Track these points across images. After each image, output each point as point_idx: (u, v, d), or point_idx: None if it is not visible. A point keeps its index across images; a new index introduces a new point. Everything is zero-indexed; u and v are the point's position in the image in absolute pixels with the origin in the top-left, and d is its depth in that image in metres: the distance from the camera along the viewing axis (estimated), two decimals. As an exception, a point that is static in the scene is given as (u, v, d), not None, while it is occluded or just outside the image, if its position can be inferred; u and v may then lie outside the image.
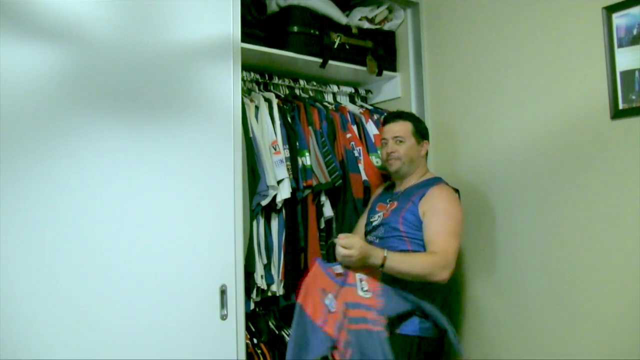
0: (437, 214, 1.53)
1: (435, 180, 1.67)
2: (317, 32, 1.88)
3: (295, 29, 1.84)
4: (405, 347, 1.49)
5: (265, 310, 1.85)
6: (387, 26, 2.16)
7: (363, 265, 1.46)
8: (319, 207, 1.83)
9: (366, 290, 1.49)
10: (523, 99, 1.68)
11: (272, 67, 1.91)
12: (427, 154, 1.75)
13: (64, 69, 1.20)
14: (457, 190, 1.68)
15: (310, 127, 1.85)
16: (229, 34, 1.48)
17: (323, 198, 1.83)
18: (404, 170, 1.69)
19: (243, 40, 1.53)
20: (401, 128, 1.69)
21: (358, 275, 1.51)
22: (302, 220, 1.78)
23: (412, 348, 1.50)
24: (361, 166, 1.94)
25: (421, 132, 1.72)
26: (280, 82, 1.95)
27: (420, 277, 1.45)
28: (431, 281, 1.45)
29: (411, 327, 1.52)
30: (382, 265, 1.42)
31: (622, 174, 1.42)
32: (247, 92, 1.83)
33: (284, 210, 1.73)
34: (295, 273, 1.72)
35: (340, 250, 1.41)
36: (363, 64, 2.02)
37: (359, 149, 1.96)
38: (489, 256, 1.79)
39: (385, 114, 1.92)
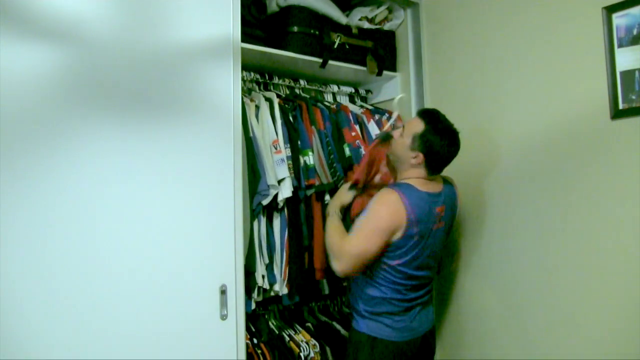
0: (363, 214, 1.50)
1: (392, 185, 1.57)
2: (317, 32, 1.88)
3: (295, 29, 1.84)
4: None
5: (265, 310, 1.85)
6: (387, 26, 2.16)
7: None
8: (324, 207, 1.83)
9: None
10: (523, 99, 1.68)
11: (272, 67, 1.91)
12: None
13: (63, 68, 1.19)
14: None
15: (313, 127, 1.85)
16: (229, 34, 1.48)
17: (327, 197, 1.83)
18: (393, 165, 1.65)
19: (243, 40, 1.53)
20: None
21: None
22: (306, 219, 1.78)
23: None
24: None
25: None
26: (280, 82, 1.95)
27: (329, 251, 1.54)
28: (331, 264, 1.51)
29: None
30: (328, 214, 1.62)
31: (622, 174, 1.42)
32: (247, 92, 1.83)
33: (285, 210, 1.73)
34: (299, 272, 1.72)
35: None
36: (363, 64, 2.02)
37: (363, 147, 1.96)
38: (487, 255, 1.79)
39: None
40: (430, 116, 1.54)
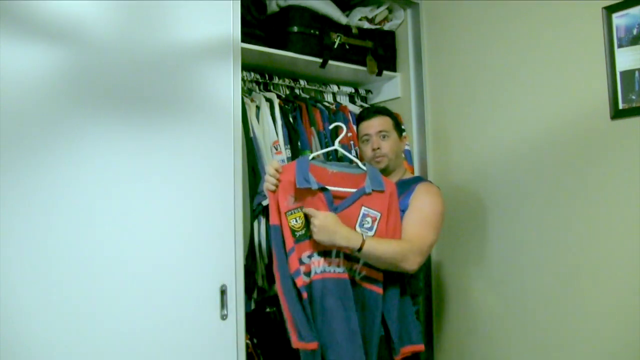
0: (418, 208, 1.48)
1: (418, 179, 1.64)
2: (317, 32, 1.88)
3: (295, 29, 1.84)
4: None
5: (265, 311, 1.85)
6: (387, 26, 2.16)
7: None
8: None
9: (369, 228, 1.33)
10: (523, 99, 1.69)
11: (272, 67, 1.91)
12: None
13: (63, 69, 1.19)
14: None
15: (312, 128, 1.86)
16: (229, 34, 1.48)
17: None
18: (391, 167, 1.60)
19: (243, 40, 1.53)
20: (383, 122, 1.61)
21: (363, 208, 1.33)
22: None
23: None
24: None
25: (400, 127, 1.69)
26: (280, 82, 1.95)
27: (391, 263, 1.37)
28: (400, 269, 1.39)
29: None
30: (360, 249, 1.32)
31: (622, 174, 1.42)
32: (247, 92, 1.83)
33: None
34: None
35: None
36: (363, 64, 2.02)
37: (357, 149, 1.97)
38: (488, 256, 1.79)
39: (361, 111, 1.82)
40: (385, 108, 1.68)
